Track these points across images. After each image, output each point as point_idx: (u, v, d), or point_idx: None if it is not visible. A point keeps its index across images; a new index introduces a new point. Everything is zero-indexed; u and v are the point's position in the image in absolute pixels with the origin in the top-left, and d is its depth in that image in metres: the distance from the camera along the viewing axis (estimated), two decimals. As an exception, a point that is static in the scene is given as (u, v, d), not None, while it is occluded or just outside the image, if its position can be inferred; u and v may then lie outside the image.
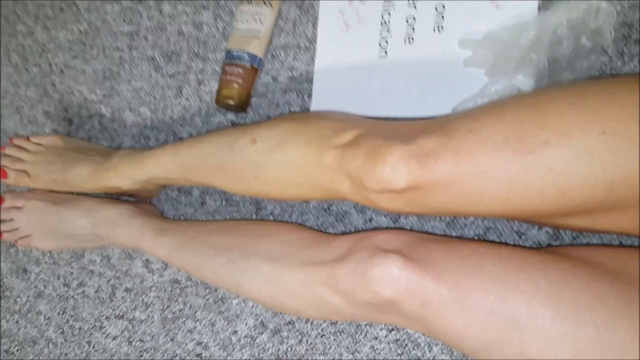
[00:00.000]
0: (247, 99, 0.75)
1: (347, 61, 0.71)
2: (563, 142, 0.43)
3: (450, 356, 0.65)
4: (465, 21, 0.66)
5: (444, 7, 0.67)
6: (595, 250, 0.49)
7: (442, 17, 0.67)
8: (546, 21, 0.59)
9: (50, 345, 0.82)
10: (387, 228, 0.69)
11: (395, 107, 0.68)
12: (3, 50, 0.91)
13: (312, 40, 0.74)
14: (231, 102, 0.74)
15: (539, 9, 0.63)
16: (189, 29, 0.81)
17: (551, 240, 0.62)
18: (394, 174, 0.49)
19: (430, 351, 0.66)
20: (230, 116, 0.78)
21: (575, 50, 0.58)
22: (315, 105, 0.73)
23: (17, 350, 0.83)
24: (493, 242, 0.63)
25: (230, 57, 0.75)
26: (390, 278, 0.48)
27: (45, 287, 0.84)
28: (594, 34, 0.58)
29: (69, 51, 0.88)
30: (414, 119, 0.67)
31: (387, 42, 0.70)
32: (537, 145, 0.44)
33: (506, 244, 0.63)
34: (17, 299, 0.84)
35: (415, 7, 0.68)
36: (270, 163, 0.59)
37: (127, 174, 0.71)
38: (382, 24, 0.70)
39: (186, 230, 0.67)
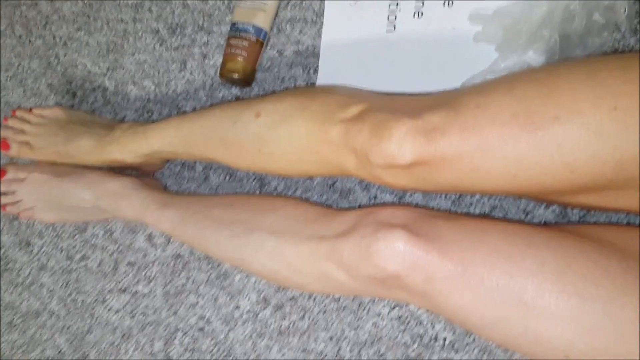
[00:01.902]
0: (252, 73, 0.74)
1: (354, 35, 0.70)
2: (573, 119, 0.43)
3: (453, 334, 0.65)
4: (475, -4, 0.65)
5: (454, -18, 0.66)
6: (603, 229, 0.48)
7: (452, -9, 0.66)
8: (559, -4, 0.57)
9: (53, 317, 0.82)
10: (392, 204, 0.69)
11: (403, 82, 0.67)
12: (7, 22, 0.90)
13: (319, 14, 0.73)
14: (236, 76, 0.73)
15: (552, -17, 0.62)
16: (194, 1, 0.80)
17: (558, 219, 0.62)
18: (399, 149, 0.49)
19: (432, 328, 0.66)
20: (235, 90, 0.77)
21: (588, 26, 0.57)
22: (321, 80, 0.72)
23: (20, 322, 0.84)
24: (499, 218, 0.63)
25: (236, 30, 0.74)
26: (395, 253, 0.48)
27: (48, 260, 0.84)
28: (607, 10, 0.56)
29: (72, 23, 0.87)
30: (421, 94, 0.66)
31: (395, 16, 0.68)
32: (547, 121, 0.43)
33: (512, 220, 0.62)
34: (20, 272, 0.84)
35: (424, -18, 0.67)
36: (274, 138, 0.58)
37: (130, 147, 0.71)
38: (390, -3, 0.69)
39: (190, 204, 0.67)
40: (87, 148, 0.74)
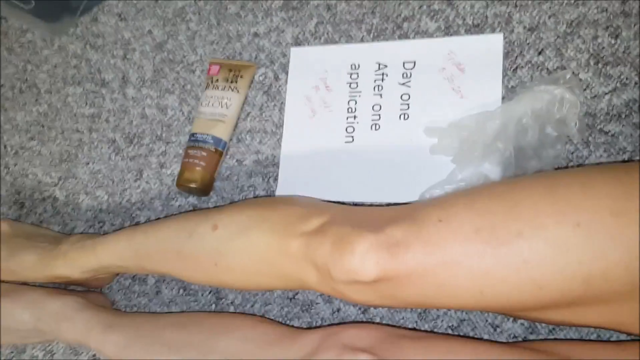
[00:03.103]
0: (210, 182, 0.73)
1: (313, 146, 0.71)
2: (537, 234, 0.42)
3: None
4: (430, 110, 0.67)
5: (409, 96, 0.68)
6: (575, 346, 0.46)
7: (408, 105, 0.68)
8: (511, 110, 0.59)
9: None
10: (355, 321, 0.65)
11: (362, 192, 0.67)
12: (-44, 130, 0.87)
13: (279, 125, 0.74)
14: (193, 185, 0.72)
15: (503, 99, 0.64)
16: (153, 112, 0.80)
17: (527, 333, 0.59)
18: (362, 264, 0.47)
19: None
20: (192, 200, 0.75)
21: (541, 139, 0.59)
22: (281, 189, 0.71)
23: None
24: (468, 337, 0.60)
25: (194, 140, 0.73)
26: (361, 381, 0.45)
27: (-21, 388, 0.75)
28: (559, 124, 0.58)
29: (25, 133, 0.85)
30: (381, 205, 0.65)
31: (353, 128, 0.69)
32: (510, 236, 0.43)
33: (481, 339, 0.60)
34: (-55, 402, 0.76)
35: (381, 96, 0.69)
36: (232, 251, 0.56)
37: (78, 262, 0.67)
38: (348, 110, 0.70)
39: (138, 325, 0.62)
40: (31, 264, 0.69)
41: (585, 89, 0.62)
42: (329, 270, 0.49)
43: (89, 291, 0.74)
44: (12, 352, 0.76)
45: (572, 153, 0.61)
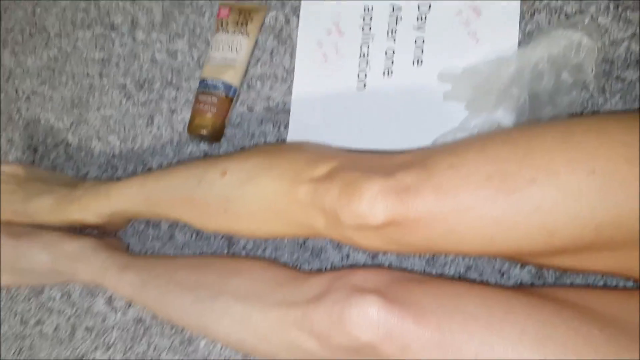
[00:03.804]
0: (221, 128, 0.73)
1: (325, 92, 0.70)
2: (551, 181, 0.42)
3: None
4: (444, 55, 0.65)
5: (423, 40, 0.66)
6: (582, 293, 0.47)
7: (422, 50, 0.66)
8: (527, 56, 0.58)
9: (3, 389, 0.77)
10: (365, 265, 0.67)
11: (374, 139, 0.67)
12: (-33, 75, 0.87)
13: (290, 71, 0.73)
14: (204, 131, 0.72)
15: (519, 44, 0.62)
16: (163, 56, 0.79)
17: (534, 279, 0.60)
18: (371, 209, 0.47)
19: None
20: (203, 146, 0.76)
21: (557, 85, 0.57)
22: (292, 136, 0.71)
23: (-34, 394, 0.77)
24: (475, 281, 0.61)
25: (205, 86, 0.73)
26: (369, 320, 0.45)
27: (1, 325, 0.78)
28: (575, 70, 0.57)
29: (37, 77, 0.85)
30: (392, 151, 0.65)
31: (365, 74, 0.68)
32: (523, 183, 0.42)
33: (489, 283, 0.61)
34: (-31, 339, 0.79)
35: (394, 41, 0.68)
36: (240, 198, 0.56)
37: (92, 207, 0.68)
38: (360, 56, 0.69)
39: (152, 266, 0.63)
40: (47, 208, 0.70)
41: (603, 34, 0.60)
42: (337, 215, 0.49)
43: (104, 235, 0.75)
44: (30, 293, 0.78)
45: (588, 100, 0.60)
